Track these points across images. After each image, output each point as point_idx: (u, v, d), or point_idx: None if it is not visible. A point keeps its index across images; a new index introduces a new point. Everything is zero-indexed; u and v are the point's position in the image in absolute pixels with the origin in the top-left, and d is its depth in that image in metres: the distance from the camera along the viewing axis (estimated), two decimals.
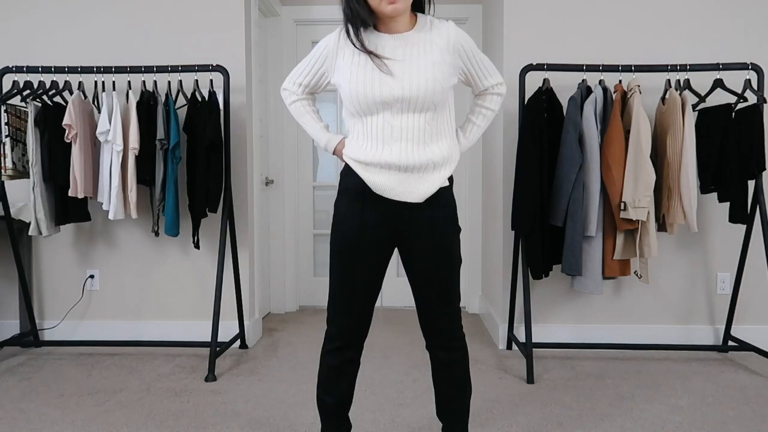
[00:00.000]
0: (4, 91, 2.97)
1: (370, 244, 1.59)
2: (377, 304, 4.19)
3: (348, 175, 1.61)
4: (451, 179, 1.63)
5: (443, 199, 1.60)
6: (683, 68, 2.77)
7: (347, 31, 1.57)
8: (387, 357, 3.00)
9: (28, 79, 2.95)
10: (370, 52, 1.53)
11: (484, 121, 1.72)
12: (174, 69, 2.89)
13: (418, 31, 1.58)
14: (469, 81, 1.67)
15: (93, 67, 2.88)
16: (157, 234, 2.96)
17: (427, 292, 1.62)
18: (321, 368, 1.69)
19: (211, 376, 2.66)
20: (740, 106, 2.82)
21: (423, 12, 1.64)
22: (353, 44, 1.56)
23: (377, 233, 1.59)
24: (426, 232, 1.58)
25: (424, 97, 1.52)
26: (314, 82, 1.68)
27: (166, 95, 2.90)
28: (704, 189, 2.89)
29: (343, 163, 1.64)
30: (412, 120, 1.54)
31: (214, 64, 2.92)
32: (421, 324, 1.67)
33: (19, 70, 2.89)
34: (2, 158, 2.86)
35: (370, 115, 1.55)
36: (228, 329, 3.16)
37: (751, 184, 2.90)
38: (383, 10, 1.50)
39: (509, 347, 3.14)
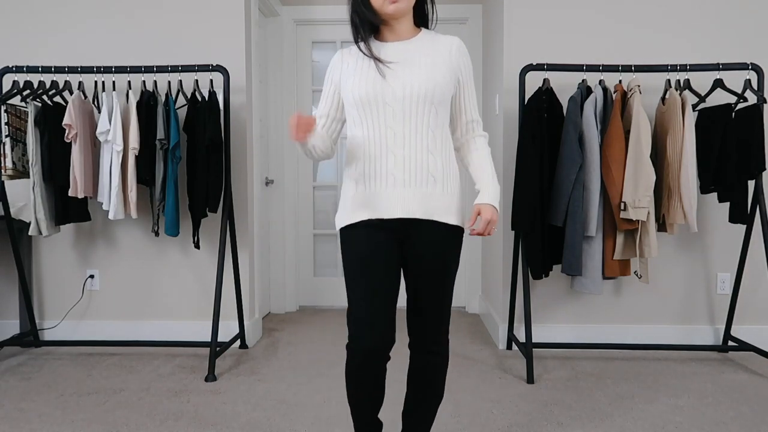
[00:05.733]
0: (4, 91, 2.97)
1: (381, 243, 1.57)
2: None
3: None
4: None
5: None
6: (683, 68, 2.77)
7: (355, 39, 1.59)
8: None
9: (28, 79, 2.95)
10: (374, 57, 1.54)
11: (484, 160, 1.63)
12: (174, 69, 2.89)
13: (421, 38, 1.61)
14: (458, 105, 1.63)
15: (93, 67, 2.89)
16: (157, 234, 2.96)
17: (421, 295, 1.62)
18: (348, 368, 1.63)
19: (211, 376, 2.66)
20: (740, 106, 2.82)
21: (427, 27, 1.66)
22: (360, 50, 1.58)
23: (386, 233, 1.57)
24: (429, 238, 1.58)
25: (425, 96, 1.52)
26: (330, 104, 1.64)
27: (166, 95, 2.90)
28: (704, 189, 2.89)
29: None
30: (414, 125, 1.53)
31: (214, 64, 2.92)
32: (408, 324, 1.66)
33: (19, 70, 2.89)
34: (2, 158, 2.86)
35: (372, 119, 1.54)
36: (228, 329, 3.17)
37: (751, 184, 2.91)
38: (386, 11, 1.53)
39: (509, 347, 3.14)
